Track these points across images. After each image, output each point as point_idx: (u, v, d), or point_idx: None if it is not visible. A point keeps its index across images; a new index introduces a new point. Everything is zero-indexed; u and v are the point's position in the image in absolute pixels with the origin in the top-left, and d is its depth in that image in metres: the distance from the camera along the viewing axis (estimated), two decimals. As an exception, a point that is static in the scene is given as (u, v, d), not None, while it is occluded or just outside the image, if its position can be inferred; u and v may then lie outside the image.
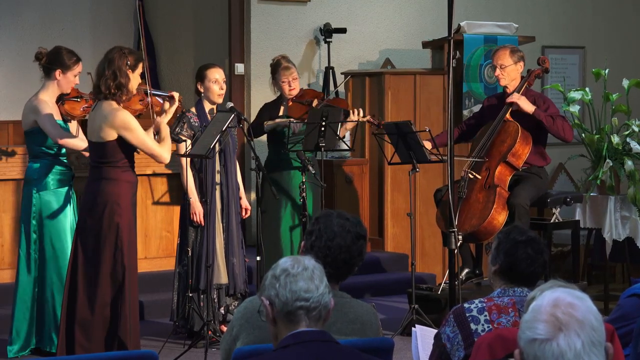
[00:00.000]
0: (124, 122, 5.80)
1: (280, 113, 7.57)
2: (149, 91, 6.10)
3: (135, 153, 6.05)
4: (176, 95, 6.26)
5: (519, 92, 7.48)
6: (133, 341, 5.86)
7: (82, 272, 5.86)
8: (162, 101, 6.26)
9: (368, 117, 7.64)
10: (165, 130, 6.09)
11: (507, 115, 7.46)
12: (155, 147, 5.93)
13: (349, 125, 7.57)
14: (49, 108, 6.45)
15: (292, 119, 7.42)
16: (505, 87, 7.58)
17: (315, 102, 7.47)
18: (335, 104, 7.52)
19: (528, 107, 7.40)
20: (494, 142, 7.43)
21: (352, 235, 3.67)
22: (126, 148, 5.89)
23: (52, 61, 6.53)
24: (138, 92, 6.05)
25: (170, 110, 6.19)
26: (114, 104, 5.84)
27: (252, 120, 7.75)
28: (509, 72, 7.50)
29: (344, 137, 7.56)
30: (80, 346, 5.82)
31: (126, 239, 5.84)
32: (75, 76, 6.56)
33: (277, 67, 7.55)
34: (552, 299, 2.22)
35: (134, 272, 5.93)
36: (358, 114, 7.48)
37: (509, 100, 7.43)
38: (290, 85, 7.50)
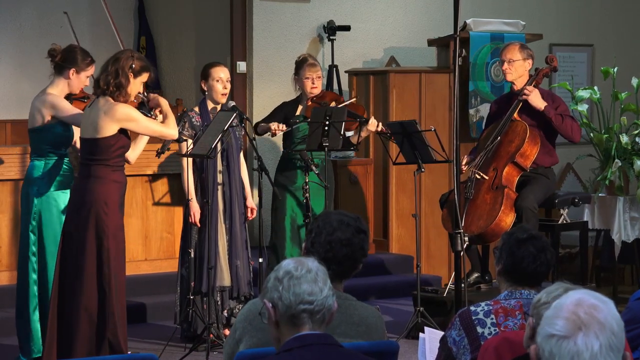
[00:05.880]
0: (126, 114, 5.80)
1: (298, 112, 7.54)
2: (141, 95, 6.06)
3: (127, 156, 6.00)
4: (163, 101, 6.20)
5: (527, 91, 7.41)
6: (123, 344, 5.75)
7: (68, 273, 5.76)
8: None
9: (382, 128, 7.50)
10: (165, 105, 6.11)
11: (515, 115, 7.38)
12: (162, 128, 6.01)
13: (363, 133, 7.52)
14: (64, 100, 6.34)
15: (277, 125, 7.30)
16: (512, 84, 7.50)
17: (332, 105, 7.41)
18: (353, 109, 7.46)
19: (539, 103, 7.32)
20: (502, 142, 7.36)
21: (352, 228, 3.66)
22: (119, 146, 5.84)
23: (67, 60, 6.40)
24: (136, 98, 6.03)
25: (165, 109, 6.14)
26: (110, 100, 5.81)
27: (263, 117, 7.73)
28: (517, 68, 7.44)
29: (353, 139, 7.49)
30: (67, 350, 5.70)
31: (113, 240, 5.76)
32: (87, 77, 6.46)
33: (302, 64, 7.51)
34: (575, 298, 2.22)
35: (121, 273, 5.83)
36: (376, 125, 7.39)
37: (522, 96, 7.33)
38: (313, 83, 7.45)
